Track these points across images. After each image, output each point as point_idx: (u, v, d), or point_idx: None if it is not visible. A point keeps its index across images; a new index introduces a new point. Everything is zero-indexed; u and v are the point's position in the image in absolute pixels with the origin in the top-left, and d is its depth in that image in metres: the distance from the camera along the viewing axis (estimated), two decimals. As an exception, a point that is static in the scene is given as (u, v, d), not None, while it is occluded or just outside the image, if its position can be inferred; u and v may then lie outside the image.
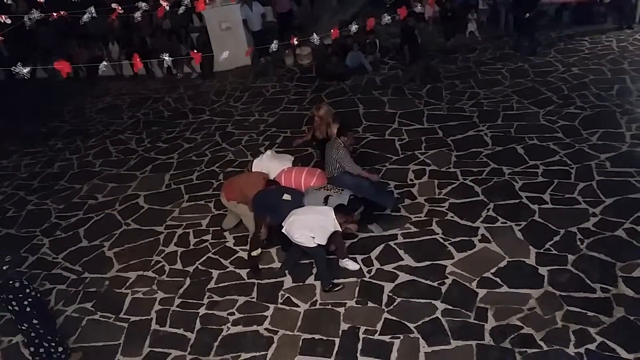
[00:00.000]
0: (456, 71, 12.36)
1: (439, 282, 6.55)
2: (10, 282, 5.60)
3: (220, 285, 7.03)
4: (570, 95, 10.47)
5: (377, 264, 6.96)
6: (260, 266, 7.16)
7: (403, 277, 6.71)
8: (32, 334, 5.84)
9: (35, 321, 5.74)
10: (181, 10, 9.36)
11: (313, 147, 9.30)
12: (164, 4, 9.07)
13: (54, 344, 5.97)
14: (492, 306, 6.13)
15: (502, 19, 14.43)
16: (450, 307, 6.19)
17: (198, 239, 7.91)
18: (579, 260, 6.57)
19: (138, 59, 7.55)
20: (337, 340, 5.99)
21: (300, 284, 6.85)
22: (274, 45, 7.77)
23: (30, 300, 5.64)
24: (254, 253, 7.10)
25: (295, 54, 14.16)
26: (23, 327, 5.80)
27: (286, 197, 6.95)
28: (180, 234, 8.08)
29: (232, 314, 6.56)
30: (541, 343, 5.63)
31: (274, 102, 12.10)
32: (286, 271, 7.01)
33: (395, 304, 6.35)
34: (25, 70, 6.33)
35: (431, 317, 6.11)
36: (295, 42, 8.54)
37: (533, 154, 8.71)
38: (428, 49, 13.62)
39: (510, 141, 9.16)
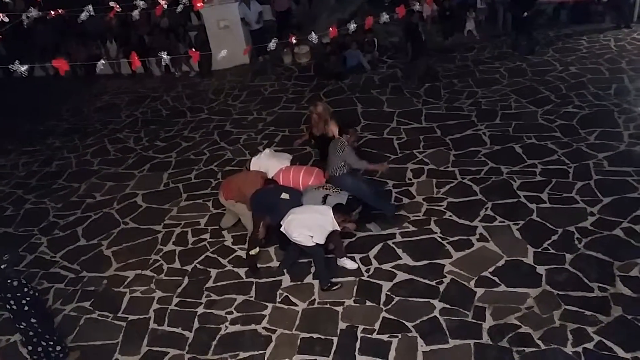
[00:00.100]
0: (454, 70, 12.36)
1: (437, 281, 6.56)
2: (9, 281, 5.59)
3: (218, 284, 7.03)
4: (568, 94, 10.48)
5: (375, 263, 6.96)
6: (259, 265, 7.16)
7: (401, 276, 6.72)
8: (30, 333, 5.84)
9: (33, 320, 5.73)
10: (179, 8, 9.36)
11: (311, 146, 9.31)
12: (162, 2, 9.06)
13: (52, 343, 5.97)
14: (490, 305, 6.14)
15: (500, 18, 14.43)
16: (449, 306, 6.20)
17: (196, 238, 7.90)
18: (576, 259, 6.59)
19: (136, 58, 7.55)
20: (335, 340, 6.00)
21: (299, 283, 6.85)
22: (272, 44, 7.76)
23: (28, 299, 5.63)
24: (252, 252, 7.10)
25: (293, 53, 14.15)
26: (21, 326, 5.79)
27: (284, 196, 6.95)
28: (179, 232, 8.08)
29: (231, 312, 6.56)
30: (539, 342, 5.64)
31: (272, 101, 12.09)
32: (284, 270, 7.02)
33: (393, 303, 6.36)
34: (23, 68, 6.32)
35: (429, 316, 6.12)
36: (294, 41, 8.53)
37: (531, 153, 8.72)
38: (426, 47, 13.58)
39: (508, 140, 9.17)
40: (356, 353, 5.82)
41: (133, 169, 10.05)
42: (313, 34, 7.78)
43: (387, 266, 6.89)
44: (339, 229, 6.60)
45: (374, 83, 12.25)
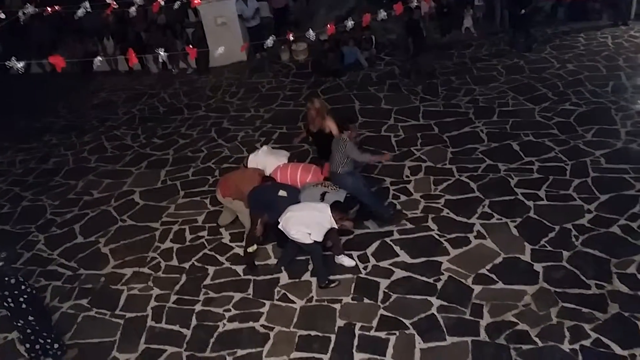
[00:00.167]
0: (452, 67, 12.35)
1: (435, 278, 6.57)
2: (6, 278, 5.59)
3: (216, 281, 7.03)
4: (565, 91, 10.49)
5: (373, 261, 6.97)
6: (256, 262, 7.17)
7: (399, 273, 6.72)
8: (28, 331, 5.84)
9: (30, 318, 5.74)
10: (176, 5, 9.33)
11: (309, 143, 9.30)
12: (159, -2, 9.03)
13: (49, 341, 5.97)
14: (487, 302, 6.15)
15: (498, 15, 14.42)
16: (446, 304, 6.21)
17: (194, 235, 7.90)
18: (574, 256, 6.60)
19: (133, 54, 7.53)
20: (333, 337, 6.01)
21: (296, 280, 6.86)
22: (269, 41, 7.75)
23: (25, 296, 5.64)
24: (249, 249, 7.10)
25: (291, 50, 14.13)
26: (19, 324, 5.80)
27: (282, 193, 6.95)
28: (176, 230, 8.07)
29: (228, 310, 6.56)
30: (536, 339, 5.65)
31: (269, 98, 12.07)
32: (282, 267, 7.02)
33: (391, 300, 6.37)
34: (20, 65, 6.30)
35: (427, 314, 6.13)
36: (291, 38, 8.51)
37: (528, 150, 8.73)
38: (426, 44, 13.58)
39: (505, 137, 9.18)
40: (354, 350, 5.83)
41: (130, 166, 10.04)
42: (310, 31, 7.78)
43: (384, 263, 6.90)
44: (337, 227, 6.60)
45: (371, 80, 12.24)
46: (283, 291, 6.72)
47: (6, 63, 6.30)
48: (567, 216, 7.23)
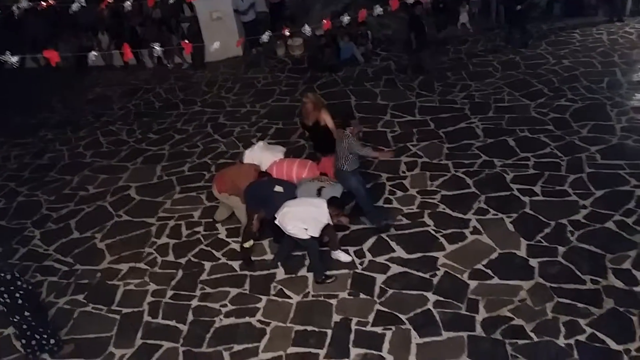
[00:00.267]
0: (448, 63, 12.37)
1: (431, 273, 6.59)
2: (2, 274, 5.57)
3: (212, 277, 7.03)
4: (561, 87, 10.51)
5: (369, 256, 6.98)
6: (253, 258, 7.17)
7: (395, 268, 6.74)
8: (24, 326, 5.83)
9: (26, 313, 5.73)
10: (171, -1, 9.30)
11: (305, 138, 9.29)
12: (155, -7, 8.99)
13: (45, 336, 5.97)
14: (483, 298, 6.17)
15: (494, 10, 14.44)
16: (442, 299, 6.24)
17: (190, 231, 7.89)
18: (569, 252, 6.63)
19: (128, 49, 7.50)
20: (329, 332, 6.02)
21: (293, 275, 6.86)
22: (265, 36, 7.72)
23: (21, 292, 5.63)
24: (246, 245, 7.10)
25: (287, 45, 14.11)
26: (15, 320, 5.78)
27: (278, 189, 6.94)
28: (172, 225, 8.06)
29: (225, 305, 6.56)
30: (531, 334, 5.68)
31: (265, 93, 12.06)
32: (279, 263, 7.02)
33: (387, 295, 6.38)
34: (14, 59, 6.26)
35: (423, 309, 6.15)
36: (287, 33, 8.49)
37: (524, 146, 8.75)
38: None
39: (501, 133, 9.20)
40: (350, 345, 5.84)
41: (126, 161, 10.01)
42: (306, 26, 7.76)
43: (381, 259, 6.91)
44: (333, 223, 6.61)
45: (367, 76, 12.24)
46: (279, 286, 6.72)
47: (0, 58, 6.25)
48: (563, 212, 7.25)
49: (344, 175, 7.15)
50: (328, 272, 6.73)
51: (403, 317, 6.08)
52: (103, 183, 9.39)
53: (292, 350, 5.89)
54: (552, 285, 6.20)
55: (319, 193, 6.97)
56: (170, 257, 7.45)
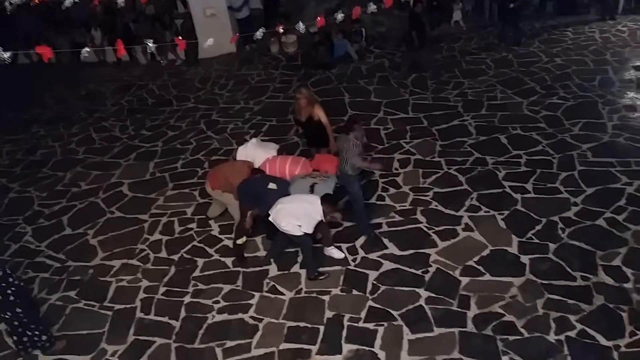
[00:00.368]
0: (441, 60, 12.40)
1: (423, 270, 6.62)
2: (-7, 270, 5.56)
3: (205, 273, 7.03)
4: (553, 85, 10.57)
5: (361, 253, 7.00)
6: (246, 254, 7.17)
7: (387, 265, 6.76)
8: (16, 323, 5.81)
9: (18, 310, 5.71)
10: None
11: (299, 135, 9.29)
12: (148, -11, 8.97)
13: (37, 333, 5.95)
14: (474, 294, 6.21)
15: (487, 8, 14.49)
16: (434, 295, 6.26)
17: (183, 227, 7.89)
18: (560, 248, 6.67)
19: (121, 45, 7.48)
20: (321, 328, 6.04)
21: (286, 272, 6.88)
22: (259, 33, 7.71)
23: (13, 288, 5.61)
24: (239, 241, 7.11)
25: (280, 42, 14.10)
26: (6, 316, 5.76)
27: (272, 186, 6.94)
28: (165, 222, 8.05)
29: (217, 302, 6.57)
30: (522, 330, 5.72)
31: (259, 90, 12.05)
32: (271, 259, 7.03)
33: (379, 292, 6.41)
34: (6, 55, 6.23)
35: (415, 305, 6.18)
36: (281, 30, 8.48)
37: (516, 143, 8.80)
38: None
39: (494, 131, 9.24)
40: (342, 341, 5.86)
41: (119, 158, 9.99)
42: (300, 23, 7.75)
43: (373, 255, 6.93)
44: (326, 219, 6.62)
45: (361, 73, 12.26)
46: (272, 283, 6.73)
47: (-8, 53, 6.22)
48: (554, 209, 7.30)
49: (350, 179, 7.05)
50: (321, 269, 6.74)
51: (395, 313, 6.11)
52: (95, 179, 9.36)
53: (284, 346, 5.90)
54: (543, 281, 6.24)
55: (312, 189, 6.98)
56: (163, 254, 7.45)
